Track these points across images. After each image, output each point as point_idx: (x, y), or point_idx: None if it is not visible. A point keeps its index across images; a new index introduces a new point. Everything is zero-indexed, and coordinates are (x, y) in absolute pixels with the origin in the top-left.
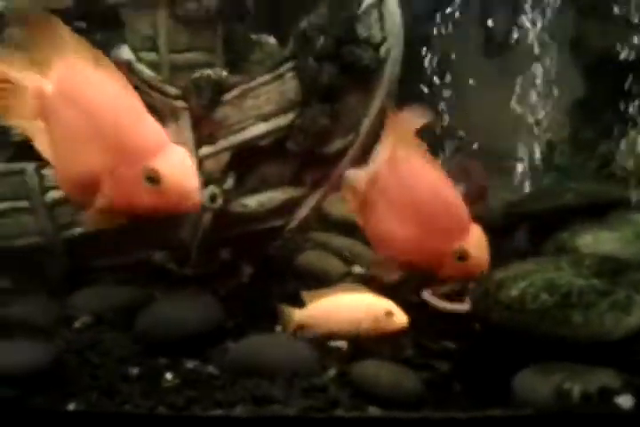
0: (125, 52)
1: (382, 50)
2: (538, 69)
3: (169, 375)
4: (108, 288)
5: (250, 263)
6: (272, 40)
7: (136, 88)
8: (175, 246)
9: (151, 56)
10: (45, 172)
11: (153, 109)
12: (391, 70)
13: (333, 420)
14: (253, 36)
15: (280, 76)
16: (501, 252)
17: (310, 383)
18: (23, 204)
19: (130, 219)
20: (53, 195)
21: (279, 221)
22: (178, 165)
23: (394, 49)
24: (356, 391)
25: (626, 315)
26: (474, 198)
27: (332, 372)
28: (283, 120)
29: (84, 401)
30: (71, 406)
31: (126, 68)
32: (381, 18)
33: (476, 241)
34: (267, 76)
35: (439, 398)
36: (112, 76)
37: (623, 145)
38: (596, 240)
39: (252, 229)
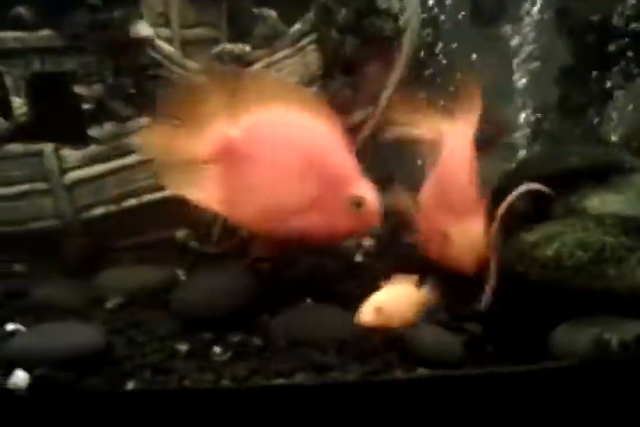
0: (145, 29)
1: (401, 20)
2: (527, 38)
3: (217, 349)
4: (133, 268)
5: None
6: (273, 14)
7: (158, 64)
8: (198, 225)
9: (163, 32)
10: (64, 152)
11: (173, 85)
12: (410, 40)
13: (393, 382)
14: (255, 11)
15: (302, 49)
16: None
17: (361, 349)
18: (41, 186)
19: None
20: (72, 176)
21: None
22: (372, 191)
23: (412, 19)
24: (404, 354)
25: None
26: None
27: (377, 337)
28: None
29: (140, 380)
30: (130, 386)
31: (148, 45)
32: None
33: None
34: (289, 50)
35: (482, 356)
36: (310, 114)
37: (612, 111)
38: (603, 202)
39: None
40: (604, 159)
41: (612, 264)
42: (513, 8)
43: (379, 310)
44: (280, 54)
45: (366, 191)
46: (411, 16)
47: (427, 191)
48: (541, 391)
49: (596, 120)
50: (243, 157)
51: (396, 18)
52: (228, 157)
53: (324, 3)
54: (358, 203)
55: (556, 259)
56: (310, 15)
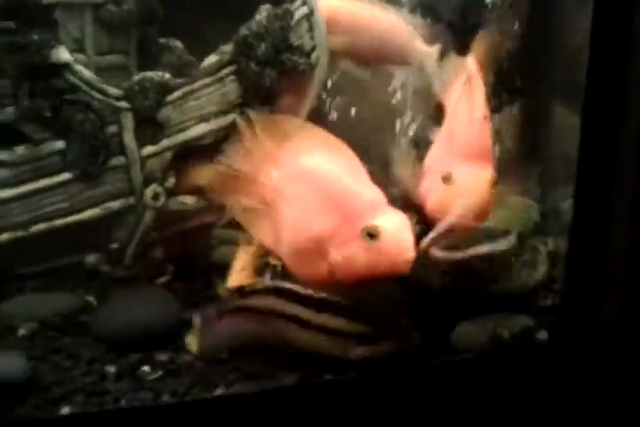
0: (64, 53)
1: (313, 57)
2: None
3: (146, 368)
4: (42, 295)
5: (173, 261)
6: (179, 44)
7: (77, 88)
8: (110, 247)
9: (78, 57)
10: None
11: (93, 110)
12: (320, 75)
13: (328, 384)
14: (162, 40)
15: (221, 79)
16: None
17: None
18: None
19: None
20: None
21: (211, 218)
22: (395, 221)
23: (322, 56)
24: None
25: (534, 270)
26: None
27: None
28: (223, 121)
29: (74, 404)
30: (65, 410)
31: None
32: (311, 28)
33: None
34: (207, 79)
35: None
36: (331, 148)
37: None
38: None
39: (186, 226)
40: None
41: (502, 269)
42: None
43: None
44: (199, 83)
45: (386, 221)
46: (321, 54)
47: (439, 133)
48: (449, 382)
49: None
50: (279, 197)
51: (308, 54)
52: (271, 198)
53: (245, 37)
54: (370, 233)
55: (457, 267)
56: (229, 47)
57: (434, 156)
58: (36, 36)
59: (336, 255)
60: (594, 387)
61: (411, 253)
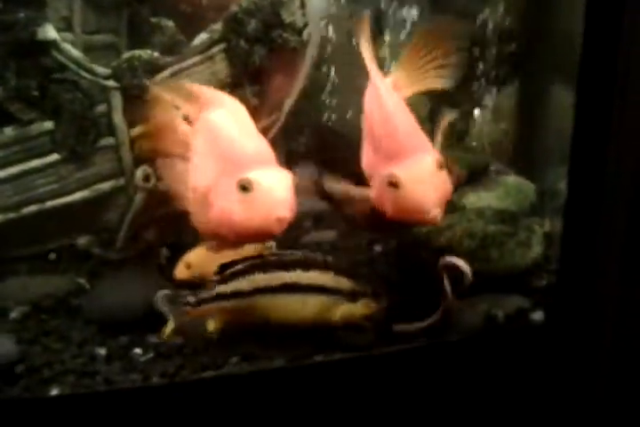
0: (51, 32)
1: (304, 34)
2: None
3: (138, 350)
4: (33, 277)
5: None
6: (170, 23)
7: (64, 67)
8: (101, 229)
9: (66, 36)
10: None
11: (81, 90)
12: (312, 53)
13: (316, 366)
14: (153, 20)
15: (210, 58)
16: None
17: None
18: None
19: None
20: None
21: None
22: (272, 177)
23: (314, 33)
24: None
25: (528, 250)
26: None
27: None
28: None
29: (64, 385)
30: (54, 391)
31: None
32: (303, 5)
33: None
34: (197, 58)
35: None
36: (228, 106)
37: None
38: (479, 198)
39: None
40: (477, 163)
41: (494, 249)
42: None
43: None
44: (189, 61)
45: (262, 175)
46: (313, 30)
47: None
48: (443, 364)
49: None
50: (189, 150)
51: (300, 31)
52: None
53: (235, 14)
54: (244, 186)
55: (448, 247)
56: (219, 25)
57: (368, 161)
58: (22, 14)
59: (215, 206)
60: (591, 368)
61: (283, 212)
